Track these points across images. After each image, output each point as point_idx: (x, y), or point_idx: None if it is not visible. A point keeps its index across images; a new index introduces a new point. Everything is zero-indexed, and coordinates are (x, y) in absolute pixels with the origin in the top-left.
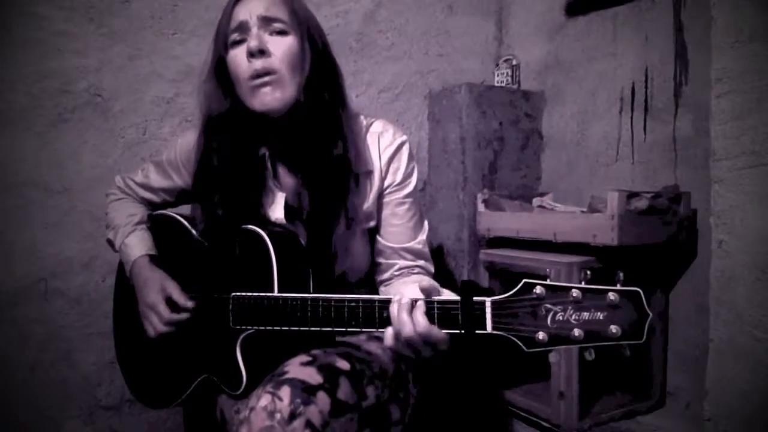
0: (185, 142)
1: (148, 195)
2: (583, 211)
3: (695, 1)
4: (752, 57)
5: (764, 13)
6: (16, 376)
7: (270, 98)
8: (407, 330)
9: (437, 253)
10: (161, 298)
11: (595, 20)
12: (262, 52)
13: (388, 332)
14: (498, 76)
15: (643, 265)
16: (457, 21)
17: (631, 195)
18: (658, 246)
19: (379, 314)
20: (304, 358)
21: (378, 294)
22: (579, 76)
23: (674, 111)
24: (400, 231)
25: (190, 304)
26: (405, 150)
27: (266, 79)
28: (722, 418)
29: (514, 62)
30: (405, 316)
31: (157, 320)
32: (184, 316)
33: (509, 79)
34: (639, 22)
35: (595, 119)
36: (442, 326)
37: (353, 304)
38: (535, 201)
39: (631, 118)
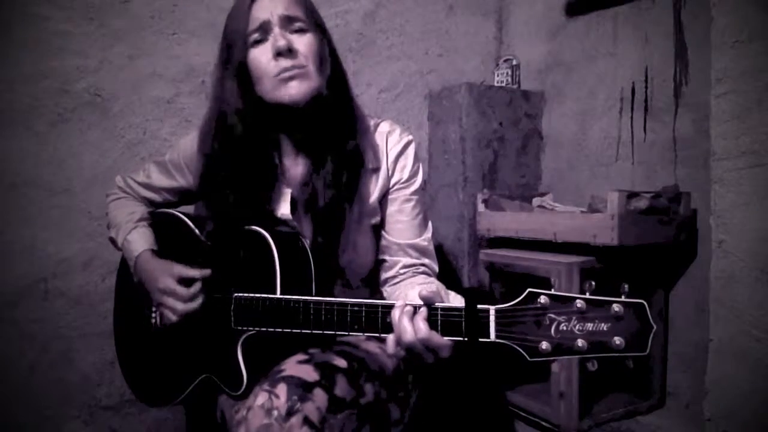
0: (188, 142)
1: (149, 194)
2: (583, 211)
3: (695, 1)
4: (752, 57)
5: (764, 13)
6: (16, 376)
7: (296, 90)
8: (408, 336)
9: (437, 253)
10: (173, 280)
11: (595, 20)
12: (290, 51)
13: (390, 339)
14: (498, 76)
15: (643, 265)
16: (457, 21)
17: (631, 195)
18: (658, 246)
19: (382, 319)
20: (301, 356)
21: (379, 294)
22: (579, 76)
23: (674, 111)
24: (406, 228)
25: (207, 271)
26: (411, 149)
27: (294, 72)
28: (722, 418)
29: (514, 62)
30: (406, 323)
31: (175, 301)
32: (195, 290)
33: (509, 79)
34: (639, 22)
35: (595, 119)
36: (445, 333)
37: (356, 308)
38: (535, 201)
39: (631, 118)
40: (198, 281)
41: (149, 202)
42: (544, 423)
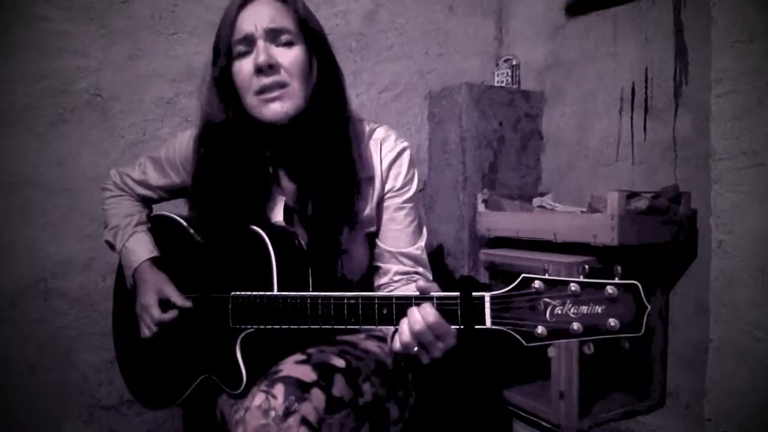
0: (184, 140)
1: (145, 192)
2: (583, 211)
3: (695, 1)
4: (752, 57)
5: (764, 13)
6: (16, 376)
7: (279, 110)
8: (418, 326)
9: (437, 253)
10: (156, 298)
11: (595, 20)
12: (271, 68)
13: (396, 337)
14: (498, 76)
15: (643, 265)
16: (457, 21)
17: (631, 195)
18: (658, 246)
19: (378, 311)
20: (298, 356)
21: None
22: (579, 76)
23: (674, 111)
24: (398, 236)
25: (188, 303)
26: (406, 156)
27: (276, 93)
28: (722, 418)
29: (514, 62)
30: (413, 310)
31: (149, 321)
32: (172, 315)
33: (509, 79)
34: (639, 22)
35: (595, 119)
36: None
37: (353, 301)
38: (535, 201)
39: (631, 118)
40: (174, 310)
41: (144, 200)
42: (543, 423)
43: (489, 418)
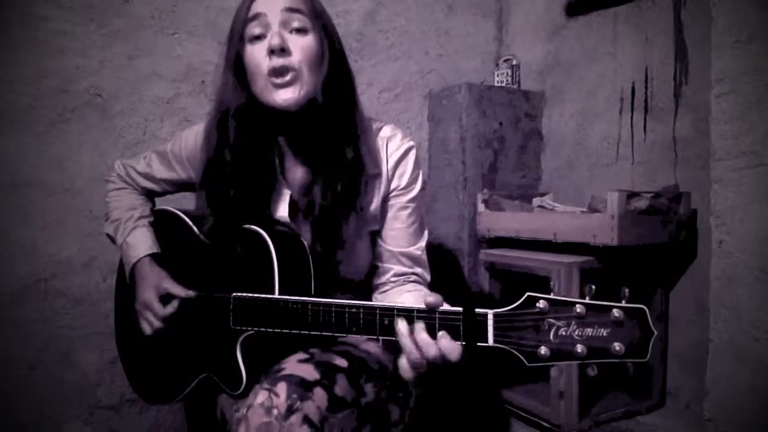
0: (191, 135)
1: (149, 185)
2: (583, 211)
3: (695, 1)
4: (752, 57)
5: (764, 13)
6: (16, 376)
7: (290, 95)
8: (432, 352)
9: (437, 253)
10: (155, 294)
11: (595, 20)
12: (283, 51)
13: (404, 363)
14: (498, 76)
15: (643, 265)
16: (457, 21)
17: (631, 195)
18: (658, 246)
19: (380, 322)
20: (301, 355)
21: (370, 298)
22: (579, 76)
23: (674, 111)
24: (400, 235)
25: (190, 293)
26: (412, 155)
27: (287, 78)
28: (722, 418)
29: (514, 62)
30: (426, 337)
31: (149, 317)
32: (171, 310)
33: (509, 79)
34: (639, 22)
35: (595, 119)
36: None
37: (354, 310)
38: (535, 201)
39: (631, 118)
40: (175, 301)
41: (149, 192)
42: (543, 423)
43: (489, 418)
